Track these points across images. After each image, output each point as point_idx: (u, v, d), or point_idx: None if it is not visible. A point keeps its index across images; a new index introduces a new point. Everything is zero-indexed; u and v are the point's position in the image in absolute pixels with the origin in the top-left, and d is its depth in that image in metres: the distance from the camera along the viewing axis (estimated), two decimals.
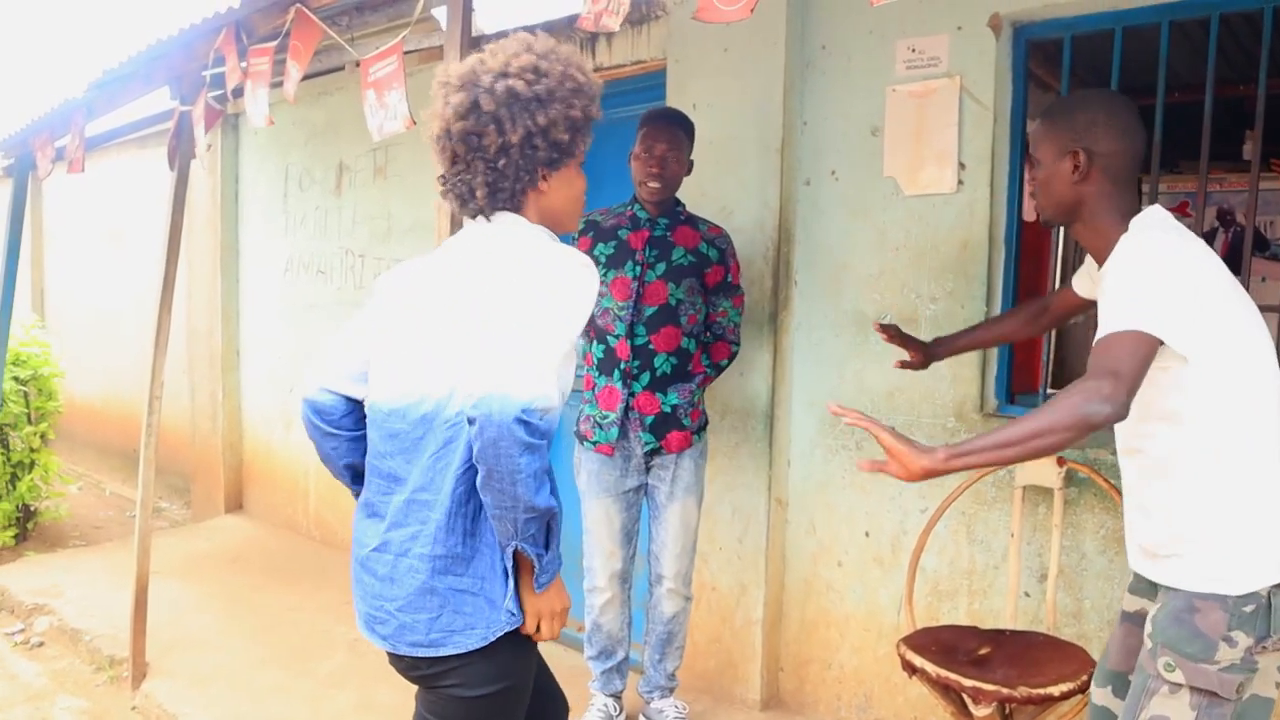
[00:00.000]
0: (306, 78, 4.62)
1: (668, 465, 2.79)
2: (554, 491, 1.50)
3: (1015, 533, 2.57)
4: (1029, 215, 4.34)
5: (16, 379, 5.01)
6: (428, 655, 1.54)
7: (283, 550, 4.94)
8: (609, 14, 1.93)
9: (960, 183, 2.72)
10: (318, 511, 5.09)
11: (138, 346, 6.25)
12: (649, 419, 2.74)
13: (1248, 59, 3.80)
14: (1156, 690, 1.61)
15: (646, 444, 2.75)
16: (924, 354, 2.31)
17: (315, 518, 5.11)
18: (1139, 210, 1.70)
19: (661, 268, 2.74)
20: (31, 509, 5.23)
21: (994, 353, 2.75)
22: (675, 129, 2.73)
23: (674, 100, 3.17)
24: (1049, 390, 2.78)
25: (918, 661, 2.23)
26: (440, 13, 3.09)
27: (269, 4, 2.73)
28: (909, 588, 2.63)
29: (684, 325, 2.75)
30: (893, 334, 2.33)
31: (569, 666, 2.93)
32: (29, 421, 5.10)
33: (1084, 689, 2.12)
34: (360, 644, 3.69)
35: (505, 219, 1.62)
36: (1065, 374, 4.31)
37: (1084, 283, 2.02)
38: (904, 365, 2.34)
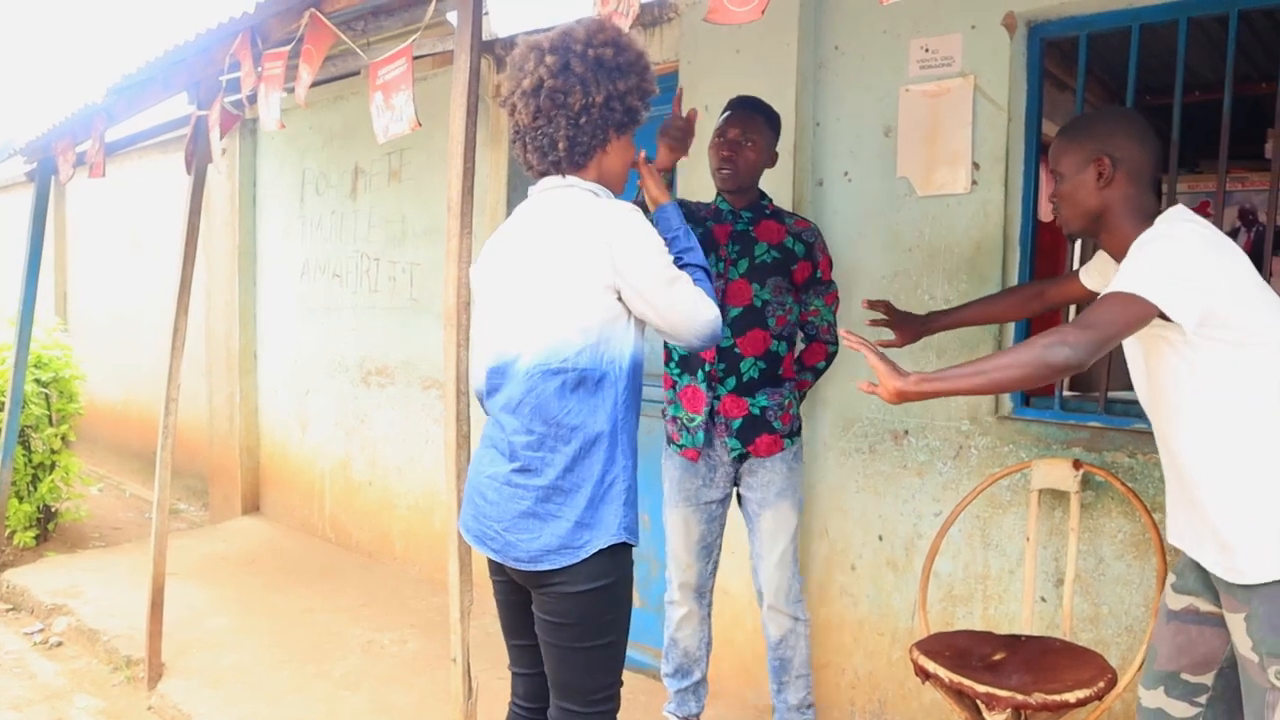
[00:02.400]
0: (323, 82, 4.68)
1: (757, 470, 2.60)
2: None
3: (1031, 537, 2.54)
4: (1045, 215, 4.30)
5: (38, 381, 5.07)
6: (529, 570, 1.78)
7: (298, 552, 4.96)
8: (618, 15, 1.93)
9: (974, 183, 2.70)
10: (333, 514, 5.12)
11: (157, 349, 6.31)
12: (735, 423, 2.57)
13: (1269, 56, 3.74)
14: (1276, 703, 1.58)
15: (733, 450, 2.58)
16: (914, 333, 2.33)
17: (330, 520, 5.13)
18: (1159, 213, 1.75)
19: (744, 265, 2.57)
20: (52, 510, 5.29)
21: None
22: (752, 114, 2.57)
23: (685, 102, 3.15)
24: (1065, 393, 2.75)
25: (931, 667, 2.21)
26: (455, 17, 3.09)
27: (284, 9, 2.75)
28: (922, 592, 2.60)
29: (772, 328, 2.57)
30: (885, 310, 2.33)
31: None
32: (50, 423, 5.15)
33: (1100, 696, 2.10)
34: (374, 646, 3.70)
35: (566, 181, 1.83)
36: (1085, 376, 4.26)
37: (1093, 277, 2.05)
38: (887, 345, 2.32)
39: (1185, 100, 2.51)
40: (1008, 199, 2.67)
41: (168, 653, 3.51)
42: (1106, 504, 2.51)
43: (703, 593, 2.72)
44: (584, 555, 1.74)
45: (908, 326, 2.33)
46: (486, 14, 3.76)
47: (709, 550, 2.70)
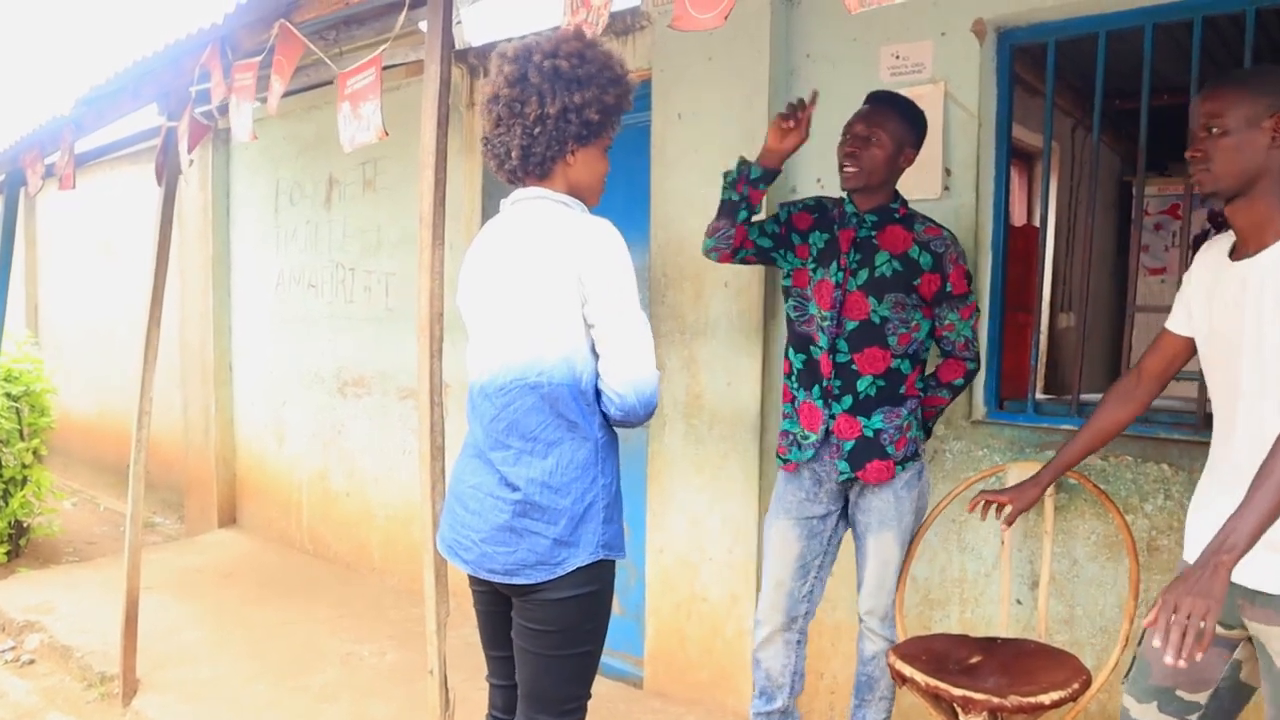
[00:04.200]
0: (297, 92, 4.65)
1: (866, 495, 2.47)
2: None
3: (1005, 540, 2.55)
4: (1018, 220, 4.34)
5: (8, 395, 5.00)
6: (504, 582, 1.79)
7: (276, 564, 4.92)
8: (588, 25, 1.93)
9: (946, 189, 2.72)
10: (310, 525, 5.08)
11: (131, 361, 6.25)
12: (848, 445, 2.42)
13: (1235, 60, 3.79)
14: None
15: (841, 473, 2.44)
16: (1029, 494, 2.24)
17: (308, 531, 5.09)
18: None
19: (863, 276, 2.38)
20: (24, 525, 5.21)
21: (981, 359, 2.74)
22: (883, 108, 2.39)
23: (659, 110, 3.17)
24: (1038, 396, 2.76)
25: (907, 671, 2.21)
26: (427, 26, 3.08)
27: (254, 20, 2.73)
28: (899, 596, 2.61)
29: (894, 346, 2.39)
30: (985, 498, 2.28)
31: None
32: (21, 438, 5.08)
33: (1075, 697, 2.11)
34: (352, 658, 3.68)
35: (535, 193, 1.81)
36: (1059, 379, 4.30)
37: (1180, 321, 1.90)
38: (1010, 522, 2.29)
39: (1154, 104, 2.54)
40: (979, 204, 2.69)
41: (143, 668, 3.46)
42: (1079, 506, 2.53)
43: (794, 615, 2.57)
44: (560, 573, 1.75)
45: (1021, 492, 2.26)
46: (459, 23, 3.77)
47: (806, 570, 2.54)
